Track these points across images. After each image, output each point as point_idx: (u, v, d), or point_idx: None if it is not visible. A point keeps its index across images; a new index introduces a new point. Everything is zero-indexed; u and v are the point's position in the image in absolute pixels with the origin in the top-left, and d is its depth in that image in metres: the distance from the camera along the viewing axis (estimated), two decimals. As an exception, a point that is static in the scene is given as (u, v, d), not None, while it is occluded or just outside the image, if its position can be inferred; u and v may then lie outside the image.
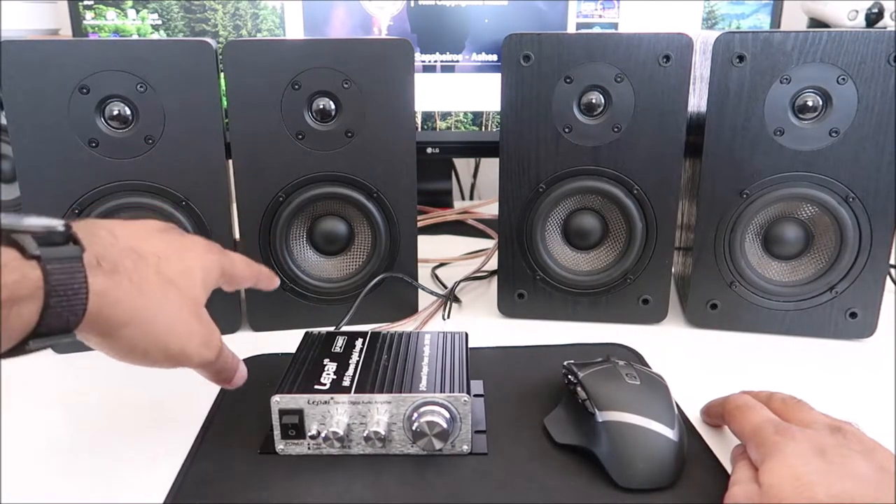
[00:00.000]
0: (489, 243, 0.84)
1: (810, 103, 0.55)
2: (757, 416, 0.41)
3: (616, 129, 0.58)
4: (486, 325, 0.64)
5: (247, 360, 0.55)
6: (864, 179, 0.56)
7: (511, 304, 0.65)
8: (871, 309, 0.60)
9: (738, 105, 0.56)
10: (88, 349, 0.57)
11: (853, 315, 0.60)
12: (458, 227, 0.94)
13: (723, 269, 0.61)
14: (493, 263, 0.70)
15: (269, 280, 0.48)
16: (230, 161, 0.58)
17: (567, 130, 0.59)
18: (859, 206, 0.57)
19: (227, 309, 0.61)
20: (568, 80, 0.58)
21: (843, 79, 0.54)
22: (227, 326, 0.62)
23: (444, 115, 0.90)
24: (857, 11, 0.89)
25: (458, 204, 1.06)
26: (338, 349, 0.48)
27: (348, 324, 0.60)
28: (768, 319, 0.61)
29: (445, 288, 0.71)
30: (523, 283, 0.64)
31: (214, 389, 0.51)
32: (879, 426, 0.48)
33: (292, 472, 0.42)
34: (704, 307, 0.62)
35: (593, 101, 0.58)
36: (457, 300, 0.69)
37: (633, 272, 0.62)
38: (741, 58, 0.55)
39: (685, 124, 0.58)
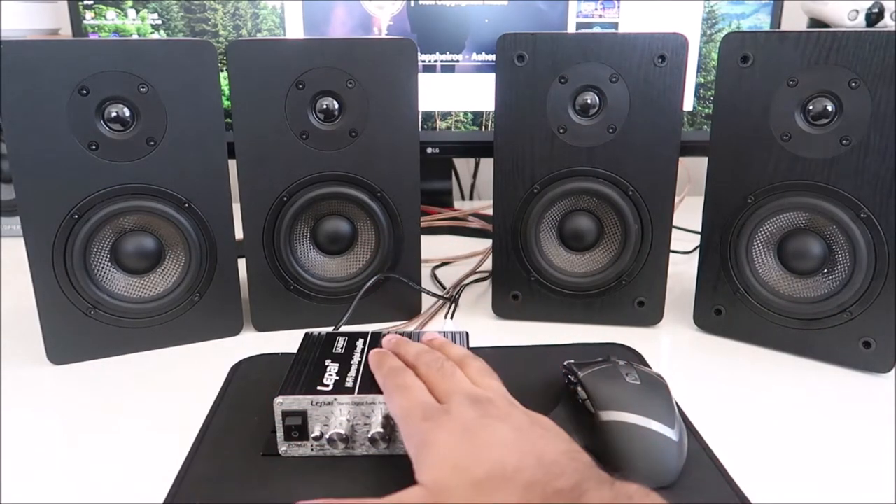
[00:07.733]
0: (490, 244, 0.84)
1: (819, 108, 0.53)
2: (407, 399, 0.40)
3: (611, 130, 0.58)
4: (480, 326, 0.64)
5: (245, 361, 0.56)
6: (880, 194, 0.52)
7: (505, 306, 0.65)
8: (888, 341, 0.53)
9: (744, 107, 0.55)
10: (85, 358, 0.57)
11: (867, 345, 0.54)
12: (459, 227, 0.94)
13: (727, 275, 0.59)
14: (489, 265, 0.70)
15: None
16: (232, 161, 0.58)
17: (562, 131, 0.59)
18: (873, 223, 0.52)
19: (230, 309, 0.61)
20: (562, 81, 0.58)
21: (856, 83, 0.51)
22: (230, 328, 0.61)
23: (444, 115, 0.90)
24: (857, 11, 0.89)
25: (458, 204, 1.06)
26: (339, 350, 0.48)
27: (350, 324, 0.60)
28: (774, 334, 0.58)
29: (444, 288, 0.71)
30: (518, 285, 0.64)
31: (214, 390, 0.52)
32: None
33: (293, 473, 0.42)
34: (710, 311, 0.61)
35: (588, 101, 0.58)
36: (454, 301, 0.69)
37: (629, 274, 0.62)
38: (745, 58, 0.54)
39: (681, 125, 0.58)
